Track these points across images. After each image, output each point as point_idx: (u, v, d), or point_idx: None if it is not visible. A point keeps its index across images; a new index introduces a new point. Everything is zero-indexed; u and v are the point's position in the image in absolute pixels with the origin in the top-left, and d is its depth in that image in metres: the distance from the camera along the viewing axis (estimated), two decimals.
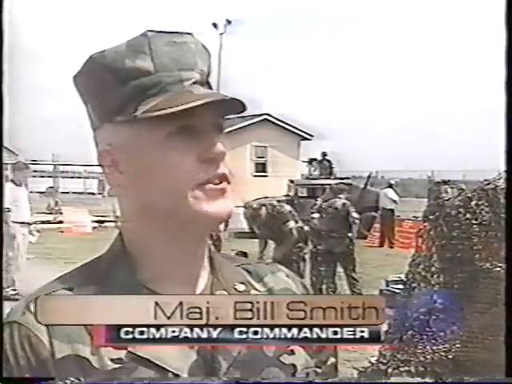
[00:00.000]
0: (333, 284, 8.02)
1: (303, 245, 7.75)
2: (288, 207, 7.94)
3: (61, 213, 21.20)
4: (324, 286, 8.06)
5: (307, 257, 8.06)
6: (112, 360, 0.83)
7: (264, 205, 7.82)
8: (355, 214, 8.18)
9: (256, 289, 0.95)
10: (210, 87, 0.91)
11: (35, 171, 28.72)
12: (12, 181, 8.28)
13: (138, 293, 0.86)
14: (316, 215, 8.19)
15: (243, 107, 0.87)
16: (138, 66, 0.85)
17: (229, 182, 0.87)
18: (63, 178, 27.66)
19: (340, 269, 8.06)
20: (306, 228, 8.14)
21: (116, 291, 0.85)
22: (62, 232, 17.64)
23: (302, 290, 1.01)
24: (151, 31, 0.87)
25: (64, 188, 27.11)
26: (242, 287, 0.93)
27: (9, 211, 7.98)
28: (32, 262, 11.21)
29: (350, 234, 8.01)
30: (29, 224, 8.46)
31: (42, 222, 19.49)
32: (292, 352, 0.91)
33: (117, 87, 0.86)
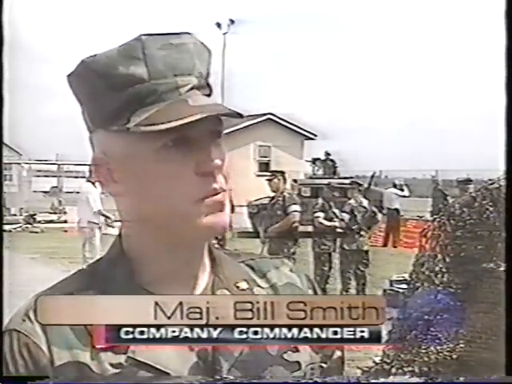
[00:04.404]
0: (349, 283, 8.19)
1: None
2: (297, 198, 8.07)
3: (65, 212, 21.25)
4: (338, 286, 8.20)
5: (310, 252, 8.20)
6: (112, 365, 0.82)
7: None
8: (380, 214, 8.52)
9: (259, 285, 0.94)
10: (210, 89, 0.87)
11: (39, 171, 28.81)
12: (89, 181, 8.57)
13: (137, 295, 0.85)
14: (321, 214, 8.28)
15: (240, 116, 0.84)
16: (132, 73, 0.82)
17: (225, 190, 0.84)
18: (67, 177, 27.69)
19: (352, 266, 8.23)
20: (310, 228, 8.22)
21: (115, 294, 0.84)
22: (65, 231, 17.66)
23: (306, 283, 0.98)
24: (145, 35, 0.84)
25: (68, 187, 27.13)
26: (244, 285, 0.92)
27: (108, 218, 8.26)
28: (36, 262, 11.25)
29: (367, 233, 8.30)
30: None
31: (46, 222, 19.56)
32: (296, 349, 0.90)
33: (110, 94, 0.82)
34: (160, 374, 0.83)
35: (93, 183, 8.70)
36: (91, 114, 0.86)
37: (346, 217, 8.19)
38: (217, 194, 0.83)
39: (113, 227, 8.66)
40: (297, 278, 0.98)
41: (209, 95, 0.87)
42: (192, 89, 0.83)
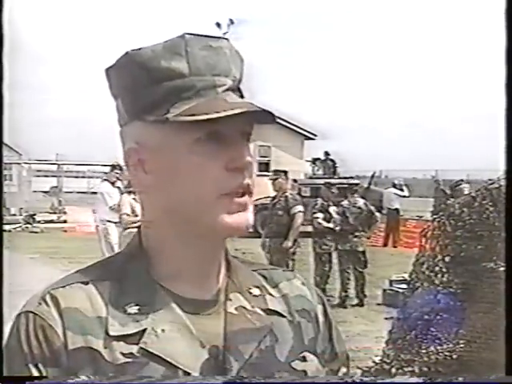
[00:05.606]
0: (348, 284, 8.19)
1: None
2: (299, 198, 8.05)
3: (65, 212, 21.27)
4: (338, 286, 8.20)
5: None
6: (123, 354, 0.83)
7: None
8: (378, 214, 8.53)
9: (271, 294, 0.96)
10: (241, 94, 0.91)
11: (39, 171, 28.81)
12: (106, 180, 8.77)
13: (151, 290, 0.87)
14: (320, 214, 8.28)
15: (273, 119, 0.88)
16: (173, 68, 0.86)
17: (251, 194, 0.87)
18: (67, 177, 27.70)
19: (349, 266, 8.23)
20: (309, 228, 8.23)
21: (130, 288, 0.87)
22: (65, 231, 17.68)
23: (316, 298, 1.01)
24: (189, 34, 0.87)
25: (68, 187, 27.13)
26: (256, 291, 0.95)
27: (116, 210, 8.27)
28: (36, 262, 11.25)
29: (365, 233, 8.28)
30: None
31: (46, 222, 19.57)
32: (304, 359, 0.92)
33: (150, 86, 0.86)
34: (170, 367, 0.83)
35: (111, 183, 8.74)
36: (128, 105, 0.89)
37: (338, 218, 8.20)
38: (243, 194, 0.86)
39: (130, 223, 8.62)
40: (308, 292, 1.01)
41: (241, 98, 0.90)
42: (227, 90, 0.87)
